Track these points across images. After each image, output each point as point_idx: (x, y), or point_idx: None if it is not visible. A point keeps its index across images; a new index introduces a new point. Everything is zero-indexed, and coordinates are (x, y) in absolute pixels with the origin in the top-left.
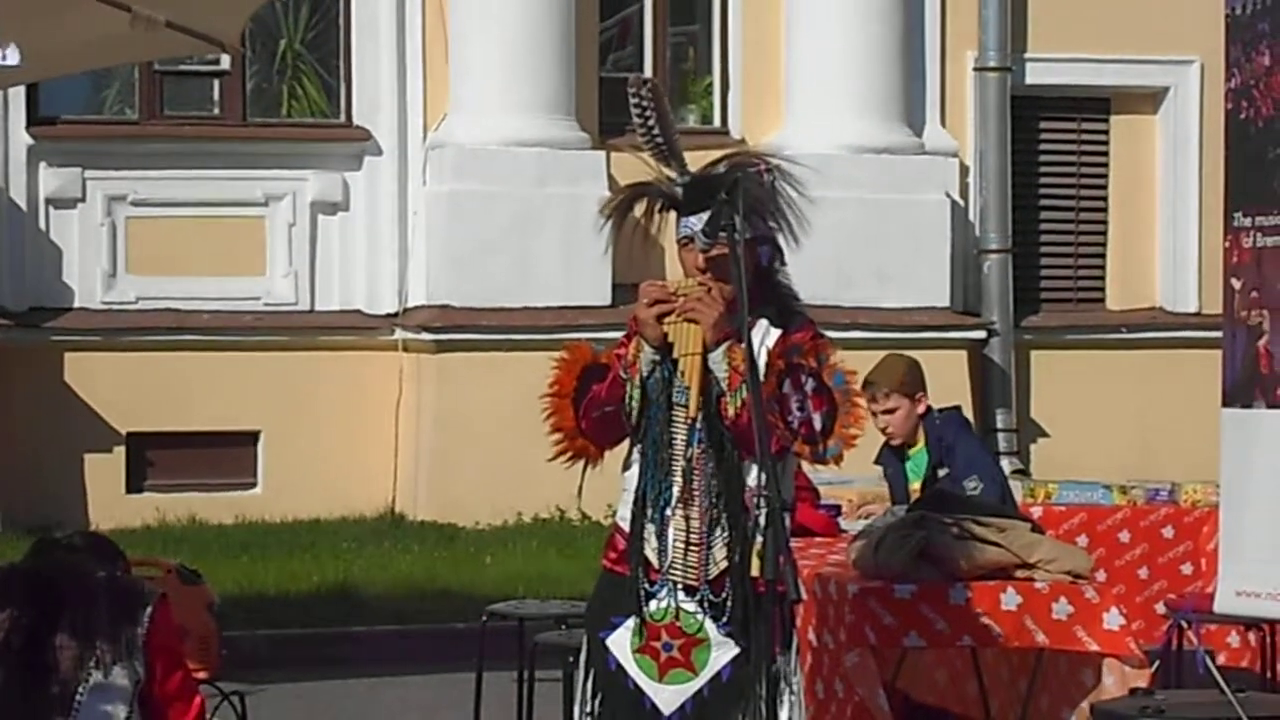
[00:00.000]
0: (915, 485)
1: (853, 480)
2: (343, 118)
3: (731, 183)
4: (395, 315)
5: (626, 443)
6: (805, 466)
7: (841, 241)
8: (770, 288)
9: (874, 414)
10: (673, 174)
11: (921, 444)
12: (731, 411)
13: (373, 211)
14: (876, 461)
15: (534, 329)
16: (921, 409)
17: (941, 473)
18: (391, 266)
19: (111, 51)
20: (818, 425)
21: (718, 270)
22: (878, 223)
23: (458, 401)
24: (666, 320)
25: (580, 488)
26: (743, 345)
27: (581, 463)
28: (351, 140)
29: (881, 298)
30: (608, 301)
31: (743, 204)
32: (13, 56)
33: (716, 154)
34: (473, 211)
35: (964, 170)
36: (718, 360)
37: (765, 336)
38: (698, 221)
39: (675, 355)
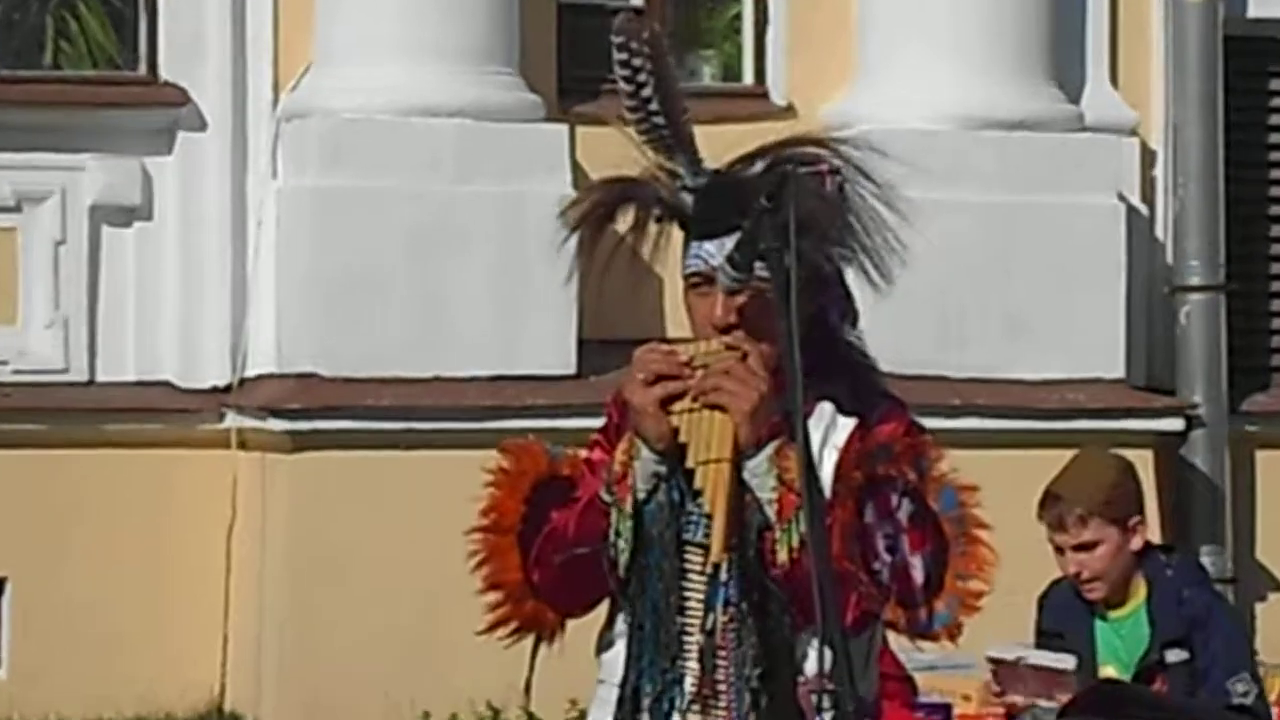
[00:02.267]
0: (1110, 669)
1: (972, 665)
2: (143, 69)
3: (776, 186)
4: (225, 390)
5: (605, 607)
6: (897, 643)
7: (949, 274)
8: (838, 354)
9: (1058, 549)
10: (678, 169)
11: (1138, 602)
12: (782, 555)
13: (190, 222)
14: (1041, 627)
15: (451, 414)
16: (1137, 544)
17: (1174, 655)
18: (220, 311)
19: None
20: (918, 576)
21: (754, 326)
22: (1007, 242)
23: (326, 532)
24: (675, 408)
25: (529, 680)
26: (797, 447)
27: (532, 639)
28: (157, 106)
29: (1013, 363)
30: (571, 369)
31: (795, 221)
32: None
33: (747, 133)
34: (352, 222)
35: (1148, 156)
36: (759, 471)
37: (831, 431)
38: (719, 249)
39: (690, 464)
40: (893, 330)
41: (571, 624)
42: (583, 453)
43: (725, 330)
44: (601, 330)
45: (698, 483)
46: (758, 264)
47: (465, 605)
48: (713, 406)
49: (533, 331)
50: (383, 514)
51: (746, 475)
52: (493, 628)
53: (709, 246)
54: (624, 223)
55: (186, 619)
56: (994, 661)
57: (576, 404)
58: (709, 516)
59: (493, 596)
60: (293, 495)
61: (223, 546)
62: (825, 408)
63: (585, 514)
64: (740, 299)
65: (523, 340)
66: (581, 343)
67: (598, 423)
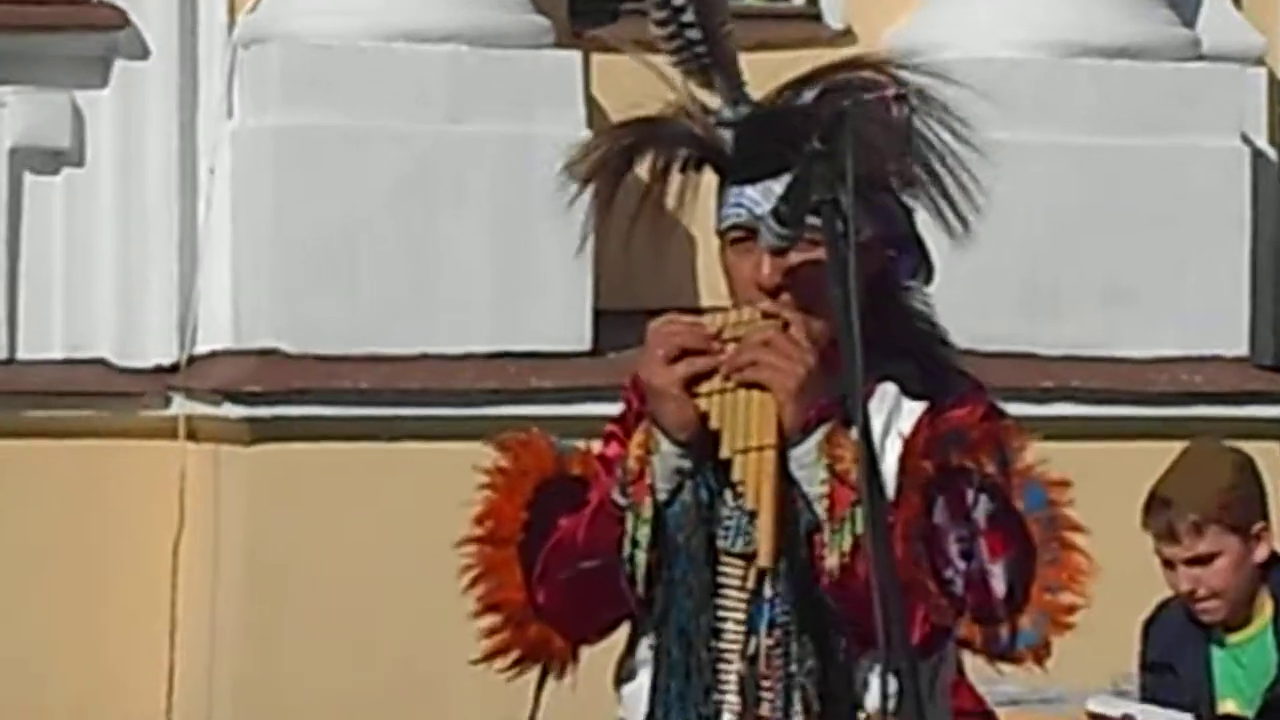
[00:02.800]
0: (1231, 704)
1: (1064, 700)
2: None
3: (832, 119)
4: (172, 370)
5: (624, 631)
6: (974, 670)
7: (1038, 231)
8: (905, 325)
9: (1168, 563)
10: (718, 100)
11: (1262, 623)
12: (832, 561)
13: (129, 168)
14: (1148, 656)
15: (441, 399)
16: (1262, 555)
17: None
18: (165, 276)
19: None
20: (999, 587)
21: (803, 291)
22: (1108, 193)
23: (290, 539)
24: (703, 389)
25: (533, 715)
26: (854, 432)
27: (537, 670)
28: (90, 28)
29: (1115, 338)
30: (585, 345)
31: (855, 162)
32: None
33: (797, 61)
34: (323, 169)
35: (1277, 90)
36: (807, 461)
37: (895, 416)
38: (764, 196)
39: (724, 454)
40: (971, 298)
41: (585, 652)
42: (596, 447)
43: (773, 294)
44: (622, 299)
45: (735, 475)
46: (812, 217)
47: (457, 628)
48: (750, 386)
49: (540, 300)
50: (358, 518)
51: (792, 466)
52: (490, 656)
53: (751, 193)
54: (648, 169)
55: (125, 640)
56: (1095, 718)
57: (591, 386)
58: (750, 516)
59: (490, 619)
60: (251, 495)
61: (168, 555)
62: (888, 389)
63: (596, 520)
64: (790, 258)
65: (528, 310)
66: (598, 313)
67: (616, 410)
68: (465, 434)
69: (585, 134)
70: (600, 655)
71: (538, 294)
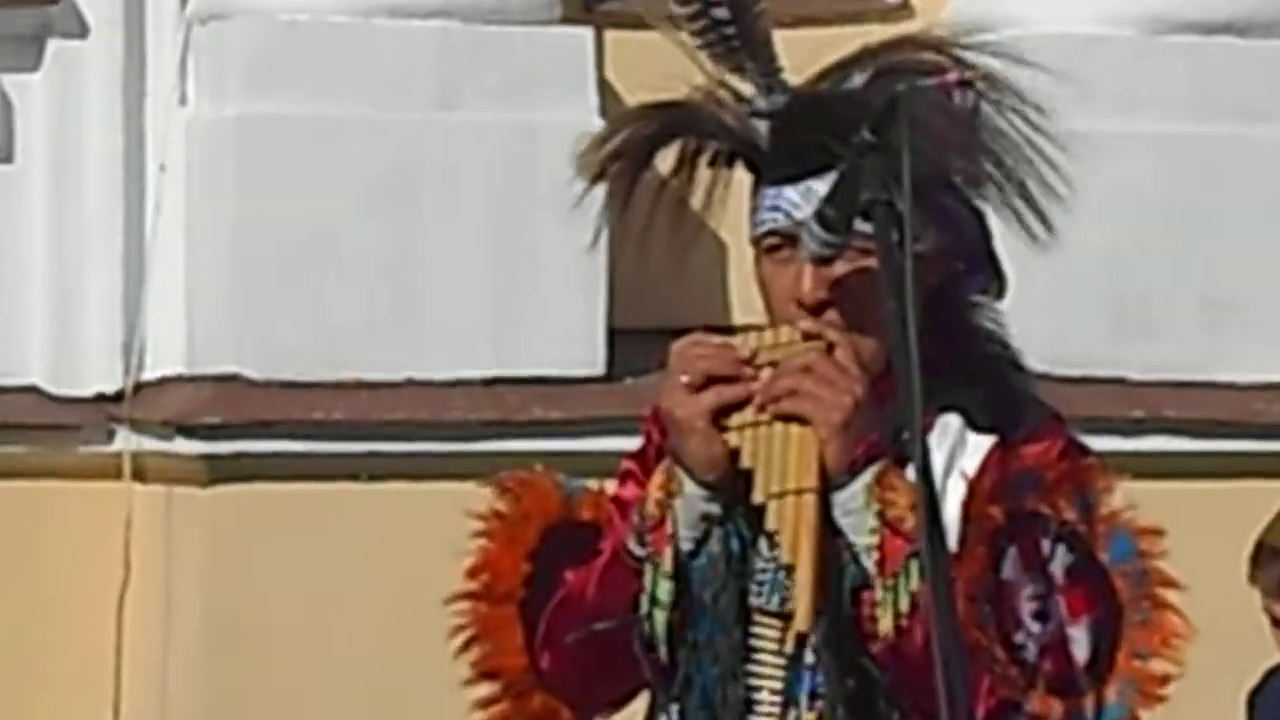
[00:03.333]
0: None
1: None
2: None
3: (886, 109)
4: (116, 399)
5: (642, 702)
6: None
7: (1126, 236)
8: (972, 346)
9: (1277, 623)
10: (750, 85)
11: None
12: (885, 624)
13: (66, 165)
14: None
15: (429, 432)
16: None
17: None
18: (108, 290)
19: None
20: (1080, 653)
21: (851, 307)
22: (1207, 192)
23: (254, 593)
24: (733, 422)
25: None
26: (911, 472)
27: None
28: (19, 3)
29: (1215, 361)
30: (596, 370)
31: (913, 157)
32: None
33: (843, 39)
34: (292, 166)
35: None
36: (853, 507)
37: (959, 453)
38: (804, 197)
39: (757, 498)
40: (1048, 314)
41: None
42: (611, 487)
43: (815, 310)
44: (639, 317)
45: (769, 523)
46: (862, 222)
47: (448, 698)
48: (788, 418)
49: (544, 317)
50: (332, 570)
51: (836, 512)
52: None
53: (791, 194)
54: (671, 165)
55: (63, 709)
56: None
57: (604, 417)
58: (788, 570)
59: (486, 688)
60: (209, 544)
61: (112, 614)
62: (951, 421)
63: (609, 573)
64: (835, 268)
65: (531, 330)
66: (612, 333)
67: (633, 444)
68: (458, 473)
69: (598, 123)
70: None
71: (542, 310)
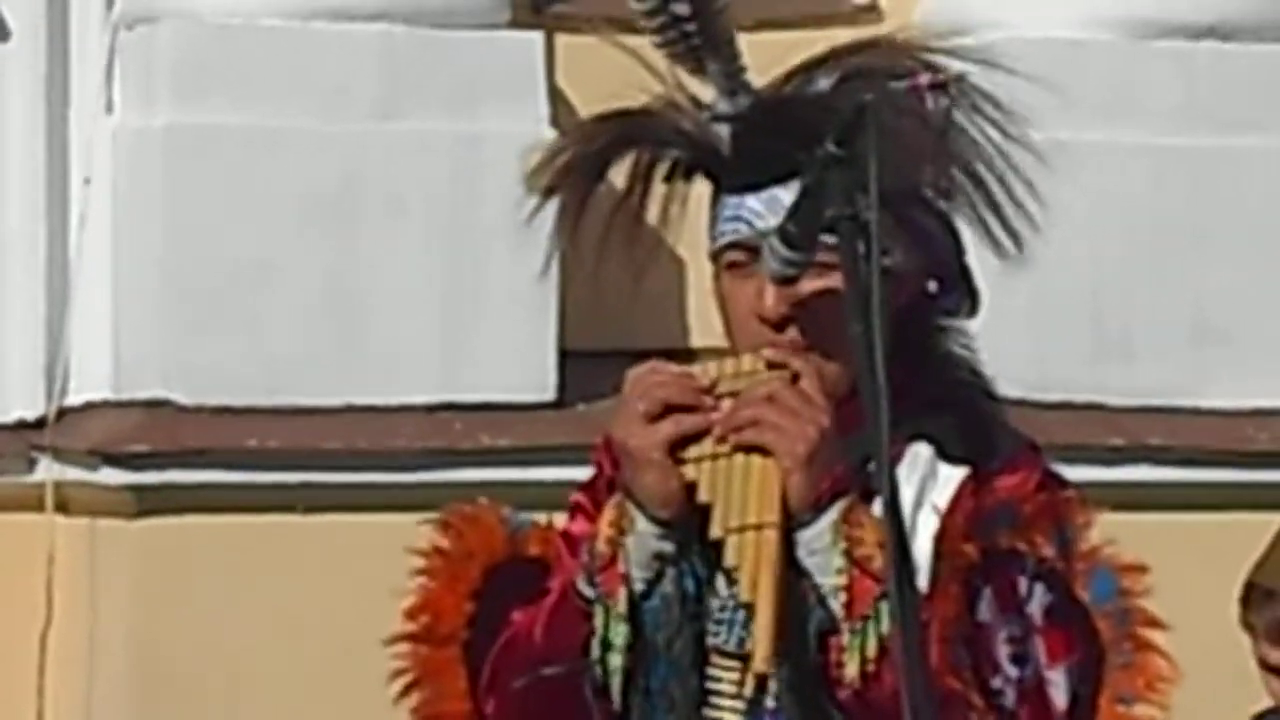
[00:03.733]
0: None
1: None
2: None
3: (852, 116)
4: (37, 426)
5: None
6: None
7: (1107, 251)
8: (942, 371)
9: (1271, 669)
10: (711, 88)
11: None
12: (852, 670)
13: None
14: None
15: (371, 462)
16: None
17: None
18: (28, 311)
19: None
20: (1059, 699)
21: (815, 327)
22: (1194, 206)
23: (185, 633)
24: (690, 454)
25: None
26: (878, 507)
27: None
28: None
29: (1203, 385)
30: (547, 396)
31: (880, 168)
32: None
33: (809, 42)
34: (226, 178)
35: None
36: (819, 546)
37: (929, 484)
38: (767, 208)
39: (715, 534)
40: (1025, 336)
41: None
42: (560, 521)
43: (777, 326)
44: (592, 339)
45: (728, 560)
46: (827, 236)
47: None
48: (749, 449)
49: (492, 340)
50: (267, 607)
51: (800, 551)
52: None
53: (753, 203)
54: (626, 178)
55: None
56: None
57: (554, 445)
58: (747, 608)
59: None
60: (136, 578)
61: (33, 653)
62: (921, 451)
63: (558, 614)
64: (800, 286)
65: (477, 353)
66: (563, 355)
67: (584, 474)
68: (401, 504)
69: (548, 133)
70: None
71: (489, 333)
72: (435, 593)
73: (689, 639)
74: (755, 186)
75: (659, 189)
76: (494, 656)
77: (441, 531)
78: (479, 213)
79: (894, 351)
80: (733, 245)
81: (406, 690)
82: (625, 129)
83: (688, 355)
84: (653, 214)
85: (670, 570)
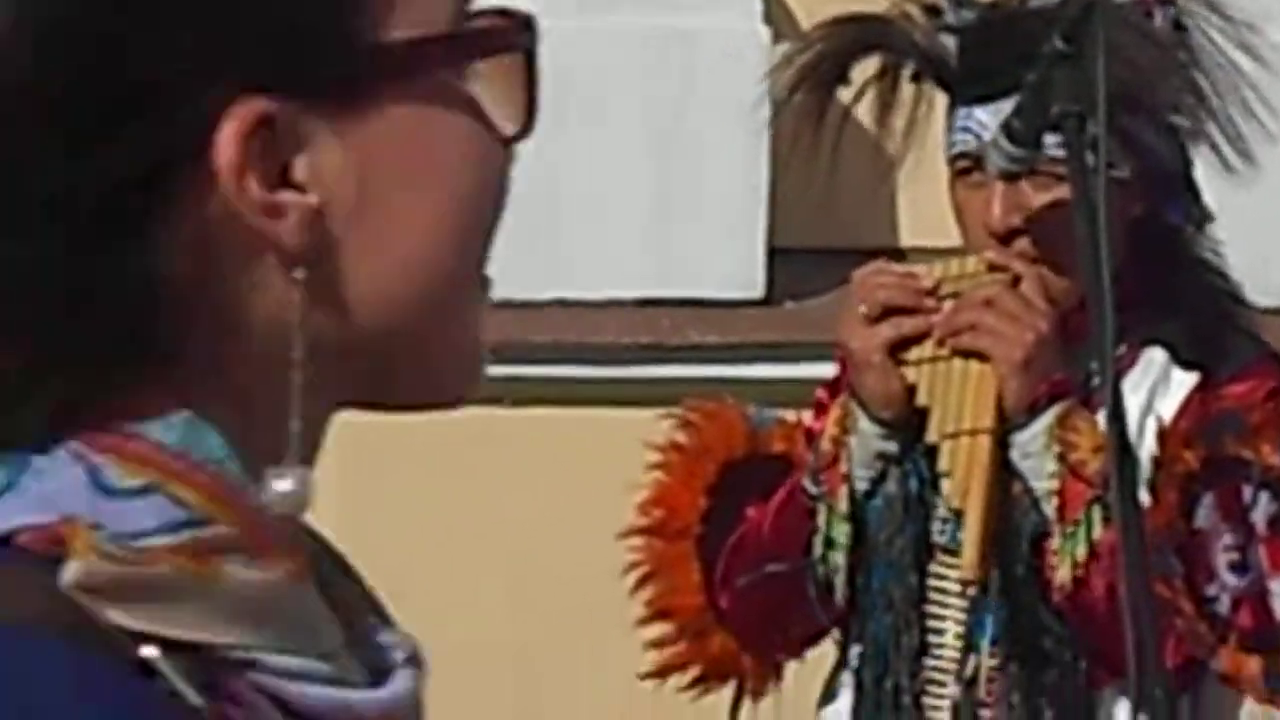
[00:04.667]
0: None
1: None
2: None
3: (1077, 18)
4: None
5: (830, 647)
6: (1246, 711)
7: None
8: (1185, 277)
9: None
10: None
11: None
12: (1063, 573)
13: None
14: None
15: (574, 357)
16: None
17: None
18: None
19: None
20: None
21: (1045, 238)
22: None
23: (388, 522)
24: (911, 356)
25: None
26: (1100, 413)
27: (733, 688)
28: None
29: None
30: (755, 293)
31: (1106, 69)
32: None
33: None
34: None
35: None
36: (1033, 449)
37: (1160, 389)
38: (995, 119)
39: (933, 437)
40: (1248, 243)
41: (787, 669)
42: (807, 418)
43: (1005, 238)
44: (801, 235)
45: (942, 465)
46: (1049, 136)
47: (620, 643)
48: (968, 354)
49: (700, 235)
50: (472, 499)
51: (1015, 454)
52: (663, 672)
53: (980, 114)
54: (857, 86)
55: None
56: None
57: (763, 343)
58: (957, 515)
59: (660, 628)
60: (340, 470)
61: None
62: (1155, 356)
63: (786, 512)
64: (1029, 195)
65: (686, 248)
66: (773, 252)
67: (793, 372)
68: (607, 399)
69: (761, 29)
70: (802, 675)
71: (698, 229)
72: (670, 487)
73: (909, 541)
74: (983, 99)
75: (904, 94)
76: (727, 552)
77: (680, 427)
78: (689, 109)
79: (1129, 258)
80: (962, 155)
81: (640, 583)
82: (864, 34)
83: (897, 254)
84: (899, 121)
85: (894, 470)
